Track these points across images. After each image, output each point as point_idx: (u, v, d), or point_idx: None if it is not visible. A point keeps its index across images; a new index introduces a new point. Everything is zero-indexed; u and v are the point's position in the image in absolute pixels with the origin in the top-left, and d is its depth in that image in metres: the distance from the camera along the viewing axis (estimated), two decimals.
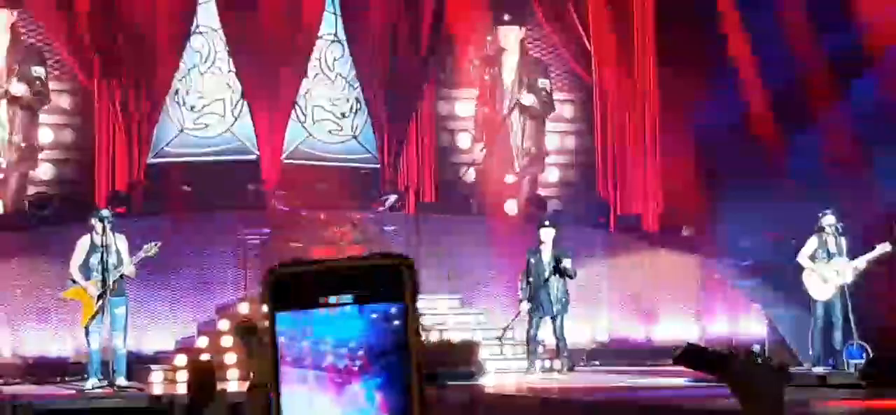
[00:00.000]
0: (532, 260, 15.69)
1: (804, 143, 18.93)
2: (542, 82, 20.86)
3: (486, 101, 20.62)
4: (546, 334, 15.91)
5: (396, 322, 1.47)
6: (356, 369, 1.47)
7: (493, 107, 20.60)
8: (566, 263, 15.54)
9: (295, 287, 1.49)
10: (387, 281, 1.48)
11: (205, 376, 7.47)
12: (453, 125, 21.06)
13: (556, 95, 21.35)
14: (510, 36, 20.72)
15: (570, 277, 15.66)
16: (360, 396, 1.46)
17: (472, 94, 20.87)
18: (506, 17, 20.69)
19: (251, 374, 8.98)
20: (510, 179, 20.66)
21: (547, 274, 15.50)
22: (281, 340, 1.48)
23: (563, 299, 15.59)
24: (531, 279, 15.62)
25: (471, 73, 20.75)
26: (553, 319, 15.61)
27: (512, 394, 13.43)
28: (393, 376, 1.46)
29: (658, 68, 20.58)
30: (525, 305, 15.74)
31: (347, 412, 1.45)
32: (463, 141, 20.97)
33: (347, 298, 1.48)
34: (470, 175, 20.41)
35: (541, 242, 15.78)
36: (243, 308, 16.24)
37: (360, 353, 1.47)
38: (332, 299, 1.48)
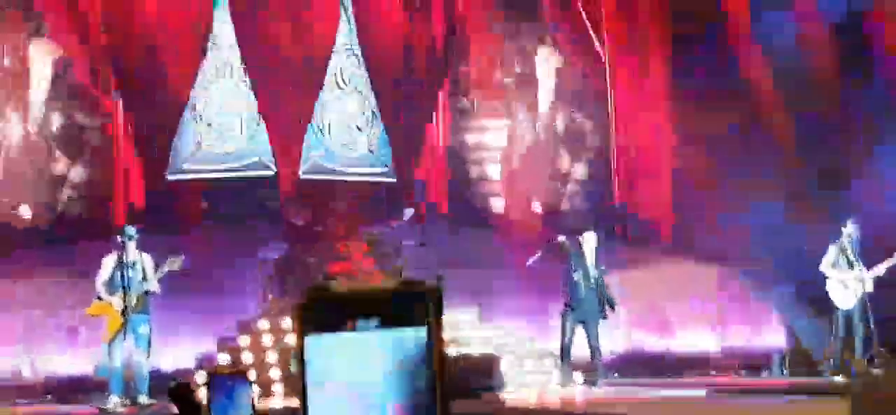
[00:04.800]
0: (574, 263, 15.40)
1: (817, 146, 18.93)
2: (575, 115, 21.00)
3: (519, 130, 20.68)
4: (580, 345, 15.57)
5: (422, 346, 1.47)
6: (383, 390, 1.48)
7: (526, 134, 20.66)
8: (614, 299, 15.44)
9: (323, 310, 1.49)
10: (412, 306, 1.48)
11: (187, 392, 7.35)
12: (476, 156, 20.91)
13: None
14: (548, 58, 20.82)
15: (612, 307, 15.48)
16: None
17: (493, 124, 20.82)
18: (546, 39, 20.74)
19: None
20: (537, 207, 20.63)
21: (591, 279, 15.25)
22: (309, 361, 1.48)
23: (600, 306, 15.36)
24: (575, 274, 15.36)
25: (494, 105, 20.75)
26: (587, 326, 15.29)
27: (535, 408, 13.39)
28: (420, 397, 1.46)
29: (672, 80, 20.55)
30: (562, 237, 15.53)
31: None
32: (487, 171, 20.84)
33: (374, 322, 1.48)
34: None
35: (581, 244, 15.56)
36: (263, 324, 16.23)
37: (388, 375, 1.47)
38: (361, 323, 1.48)
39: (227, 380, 6.32)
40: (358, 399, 1.48)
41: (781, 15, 19.13)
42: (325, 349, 1.48)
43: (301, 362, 1.49)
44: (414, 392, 1.47)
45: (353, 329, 1.48)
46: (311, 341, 1.49)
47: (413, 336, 1.47)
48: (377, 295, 1.48)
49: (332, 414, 1.49)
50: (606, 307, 15.39)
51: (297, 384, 1.52)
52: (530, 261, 16.34)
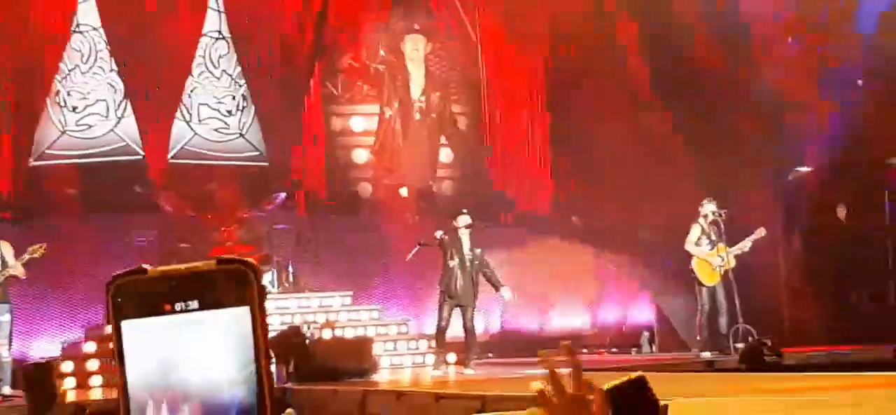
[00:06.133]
0: (450, 251, 15.22)
1: (692, 129, 19.27)
2: (448, 100, 21.04)
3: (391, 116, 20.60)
4: (454, 326, 15.56)
5: (245, 325, 1.45)
6: (205, 372, 1.45)
7: (399, 120, 20.59)
8: (505, 292, 15.38)
9: (138, 296, 1.47)
10: (232, 285, 1.46)
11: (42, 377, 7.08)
12: (346, 141, 20.77)
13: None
14: (418, 46, 20.78)
15: (497, 289, 15.40)
16: (214, 403, 1.44)
17: (364, 110, 20.70)
18: (416, 27, 20.66)
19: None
20: (404, 191, 20.55)
21: (468, 263, 15.13)
22: (128, 350, 1.46)
23: (476, 290, 15.30)
24: (449, 262, 15.19)
25: (364, 91, 20.63)
26: (464, 310, 15.25)
27: (406, 390, 13.42)
28: (245, 381, 1.45)
29: (547, 64, 20.69)
30: (440, 233, 15.38)
31: None
32: (358, 156, 20.68)
33: (193, 304, 1.46)
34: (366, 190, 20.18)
35: (456, 229, 15.33)
36: None
37: (209, 356, 1.45)
38: (178, 306, 1.46)
39: None
40: (179, 383, 1.44)
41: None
42: (142, 334, 1.44)
43: (119, 348, 1.45)
44: (238, 372, 1.44)
45: (171, 312, 1.44)
46: (127, 326, 1.44)
47: (234, 315, 1.44)
48: (196, 276, 1.44)
49: (153, 399, 1.45)
50: (493, 289, 15.34)
51: (115, 372, 1.47)
52: (408, 257, 16.24)
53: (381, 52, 20.60)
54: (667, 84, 19.63)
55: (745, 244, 15.84)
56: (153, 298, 1.44)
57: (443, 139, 21.11)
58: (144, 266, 1.46)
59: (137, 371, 1.43)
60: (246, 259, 1.47)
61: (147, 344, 1.43)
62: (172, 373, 1.42)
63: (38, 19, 18.02)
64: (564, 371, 1.97)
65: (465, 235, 15.30)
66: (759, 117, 18.53)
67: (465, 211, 15.74)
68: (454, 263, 15.12)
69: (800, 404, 8.87)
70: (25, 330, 15.99)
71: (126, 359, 1.44)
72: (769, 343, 14.45)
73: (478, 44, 20.68)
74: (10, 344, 13.63)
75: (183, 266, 1.46)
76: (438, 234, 15.37)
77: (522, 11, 20.37)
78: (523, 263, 19.14)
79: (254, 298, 1.44)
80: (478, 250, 15.27)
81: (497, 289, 15.39)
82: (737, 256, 15.80)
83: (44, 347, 16.35)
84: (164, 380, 1.42)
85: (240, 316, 1.44)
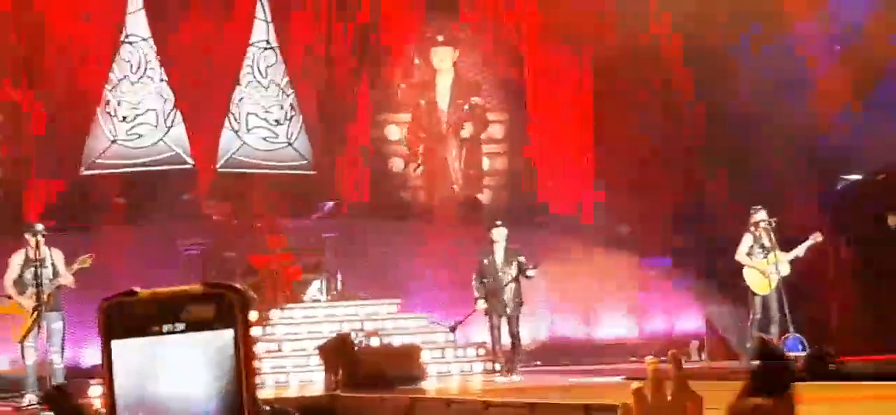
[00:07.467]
0: (485, 261, 15.44)
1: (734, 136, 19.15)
2: (475, 99, 20.98)
3: (422, 125, 20.60)
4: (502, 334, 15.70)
5: (229, 349, 1.49)
6: (191, 393, 1.50)
7: (429, 129, 20.61)
8: (530, 272, 15.42)
9: (128, 317, 1.51)
10: (217, 309, 1.51)
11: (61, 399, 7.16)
12: (390, 150, 20.86)
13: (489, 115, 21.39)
14: (444, 57, 20.79)
15: (527, 277, 15.49)
16: None
17: (405, 119, 20.75)
18: (439, 39, 20.67)
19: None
20: (448, 199, 20.57)
21: (501, 274, 15.30)
22: (117, 368, 1.50)
23: (519, 299, 15.43)
24: (485, 280, 15.40)
25: (398, 97, 20.69)
26: (509, 319, 15.40)
27: (454, 398, 13.41)
28: (228, 401, 1.49)
29: (593, 69, 20.62)
30: (482, 304, 15.54)
31: None
32: (399, 165, 20.76)
33: (179, 325, 1.50)
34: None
35: (493, 242, 15.59)
36: None
37: (195, 378, 1.49)
38: (166, 328, 1.51)
39: None
40: (158, 398, 1.48)
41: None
42: (131, 354, 1.49)
43: (108, 366, 1.50)
44: (222, 393, 1.48)
45: (159, 333, 1.49)
46: (117, 345, 1.50)
47: (220, 338, 1.48)
48: (183, 299, 1.50)
49: (130, 413, 1.50)
50: (523, 274, 15.39)
51: (105, 391, 1.52)
52: (455, 334, 16.44)
53: (416, 62, 20.65)
54: (710, 92, 19.51)
55: (801, 250, 15.67)
56: (142, 319, 1.49)
57: (484, 148, 21.14)
58: (135, 289, 1.51)
59: (123, 388, 1.48)
60: (233, 284, 1.52)
61: (134, 363, 1.48)
62: (153, 390, 1.47)
63: (87, 30, 18.18)
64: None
65: (499, 248, 15.39)
66: (805, 125, 18.37)
67: (499, 223, 15.82)
68: (490, 279, 15.27)
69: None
70: (75, 336, 16.09)
71: (114, 377, 1.49)
72: (831, 352, 14.26)
73: (520, 48, 20.64)
74: (62, 352, 13.73)
75: (171, 290, 1.51)
76: (480, 305, 15.43)
77: (564, 18, 20.34)
78: (568, 272, 19.09)
79: (237, 322, 1.49)
80: (512, 264, 15.30)
81: (526, 275, 15.38)
82: (790, 262, 15.63)
83: (93, 354, 16.47)
84: (145, 396, 1.47)
85: (223, 338, 1.48)
